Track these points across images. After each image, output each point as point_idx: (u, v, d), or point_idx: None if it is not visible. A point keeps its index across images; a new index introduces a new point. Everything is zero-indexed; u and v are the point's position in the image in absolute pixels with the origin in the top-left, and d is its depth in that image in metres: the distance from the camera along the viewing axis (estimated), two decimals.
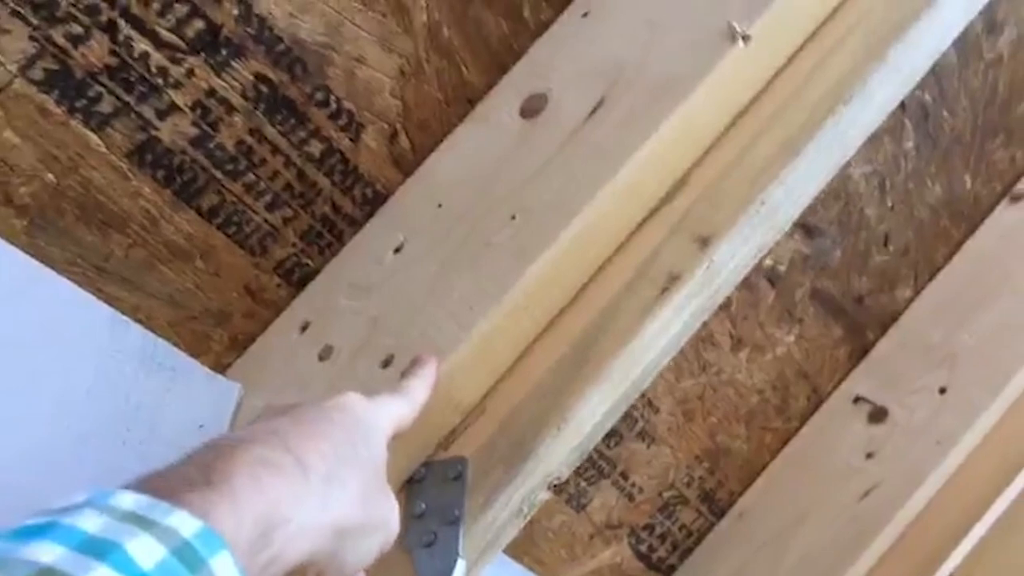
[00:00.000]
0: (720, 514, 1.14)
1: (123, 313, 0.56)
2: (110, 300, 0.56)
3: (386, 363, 0.57)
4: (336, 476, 0.35)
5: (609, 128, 0.59)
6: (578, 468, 0.99)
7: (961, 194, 1.20)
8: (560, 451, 0.55)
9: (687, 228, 0.58)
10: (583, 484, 0.98)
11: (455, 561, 0.51)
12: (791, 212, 0.59)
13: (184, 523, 0.27)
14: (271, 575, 0.31)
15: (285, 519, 0.31)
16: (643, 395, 1.00)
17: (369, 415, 0.41)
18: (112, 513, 0.27)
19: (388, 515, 0.39)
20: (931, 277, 1.22)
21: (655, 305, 0.56)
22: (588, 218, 0.57)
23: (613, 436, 0.98)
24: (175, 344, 0.60)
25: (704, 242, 0.57)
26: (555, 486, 0.56)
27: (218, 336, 0.63)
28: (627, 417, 0.98)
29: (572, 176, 0.58)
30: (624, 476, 1.02)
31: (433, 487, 0.55)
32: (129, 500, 0.28)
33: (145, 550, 0.26)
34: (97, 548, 0.25)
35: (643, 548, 1.08)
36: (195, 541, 0.27)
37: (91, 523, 0.26)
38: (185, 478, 0.30)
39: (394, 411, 0.45)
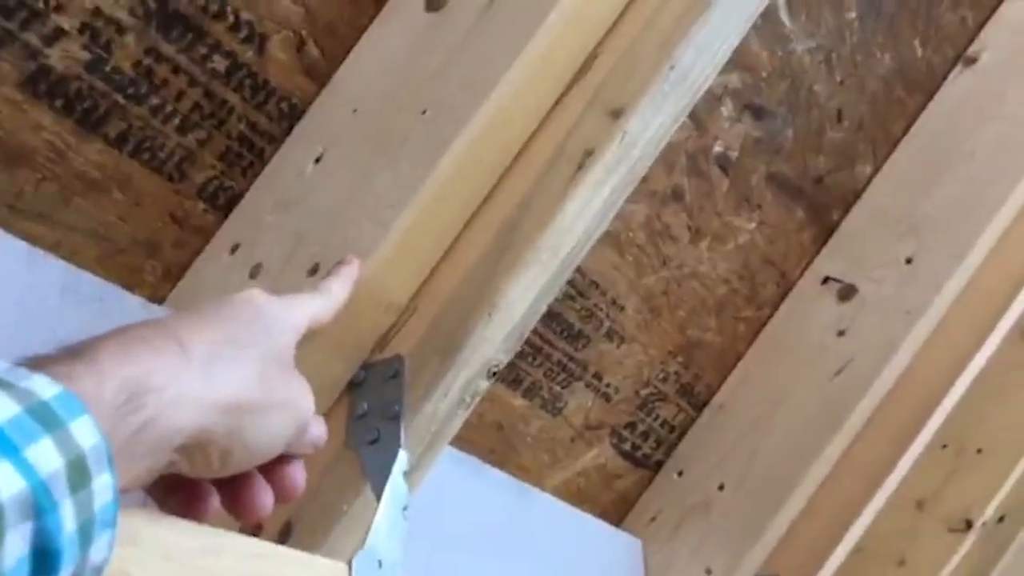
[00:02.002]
0: (700, 407, 1.15)
1: (46, 251, 0.56)
2: (28, 238, 0.56)
3: (312, 271, 0.57)
4: (222, 355, 0.35)
5: (513, 7, 0.58)
6: (548, 373, 1.00)
7: (912, 62, 1.18)
8: (494, 336, 0.55)
9: (600, 102, 0.57)
10: (556, 388, 0.98)
11: (396, 453, 0.52)
12: (705, 73, 0.58)
13: (42, 386, 0.27)
14: (151, 439, 0.31)
15: (158, 387, 0.32)
16: (605, 294, 1.00)
17: (272, 307, 0.41)
18: None
19: (294, 396, 0.39)
20: (890, 150, 1.20)
21: (571, 183, 0.55)
22: (498, 102, 0.56)
23: (580, 338, 0.99)
24: (108, 280, 0.60)
25: (616, 114, 0.56)
26: (494, 373, 0.56)
27: (150, 268, 0.63)
28: (591, 318, 0.99)
29: (478, 62, 0.57)
30: (598, 377, 1.02)
31: (373, 387, 0.56)
32: None
33: None
34: None
35: (626, 447, 1.09)
36: (53, 403, 0.27)
37: None
38: (51, 356, 0.30)
39: (308, 306, 0.45)
